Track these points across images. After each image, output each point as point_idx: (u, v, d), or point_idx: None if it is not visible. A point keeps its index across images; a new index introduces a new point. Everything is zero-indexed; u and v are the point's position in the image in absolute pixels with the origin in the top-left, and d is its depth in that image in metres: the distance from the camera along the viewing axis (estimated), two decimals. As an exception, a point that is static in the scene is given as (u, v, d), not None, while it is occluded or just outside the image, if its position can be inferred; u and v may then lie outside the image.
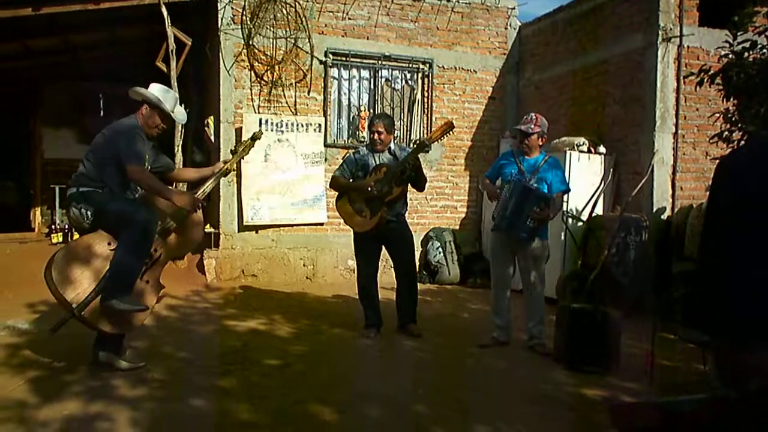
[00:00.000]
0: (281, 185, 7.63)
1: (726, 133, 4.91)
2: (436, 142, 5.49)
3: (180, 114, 4.15)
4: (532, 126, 4.73)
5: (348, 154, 5.32)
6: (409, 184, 5.08)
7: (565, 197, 6.62)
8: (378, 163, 5.00)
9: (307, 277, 7.78)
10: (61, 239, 8.16)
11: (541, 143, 4.84)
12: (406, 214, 5.28)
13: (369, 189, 4.90)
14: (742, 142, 4.79)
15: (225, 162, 4.35)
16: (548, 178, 4.70)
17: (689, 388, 3.85)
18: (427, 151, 8.12)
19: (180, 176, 4.49)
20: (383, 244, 5.16)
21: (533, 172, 4.70)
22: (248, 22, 7.50)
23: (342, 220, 5.30)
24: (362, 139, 8.09)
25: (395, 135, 8.07)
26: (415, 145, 5.37)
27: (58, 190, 9.53)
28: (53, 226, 8.77)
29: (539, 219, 4.55)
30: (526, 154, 4.80)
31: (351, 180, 5.10)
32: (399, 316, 5.22)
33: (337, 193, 5.26)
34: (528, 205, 4.55)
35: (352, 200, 5.04)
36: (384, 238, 5.08)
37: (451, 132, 5.08)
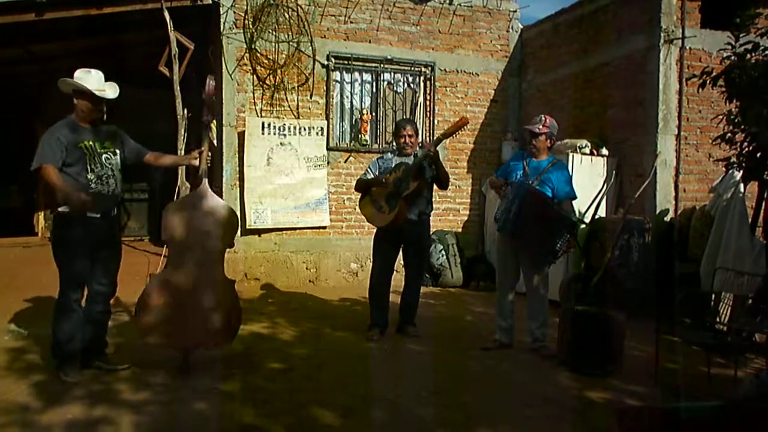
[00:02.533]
0: (284, 189, 7.64)
1: (729, 134, 4.90)
2: (448, 138, 5.54)
3: (109, 91, 3.95)
4: (540, 126, 4.72)
5: (373, 159, 5.43)
6: (435, 184, 5.16)
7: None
8: (399, 162, 5.07)
9: (309, 281, 7.78)
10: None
11: (549, 145, 4.83)
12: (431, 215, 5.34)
13: (384, 180, 4.99)
14: (745, 144, 4.79)
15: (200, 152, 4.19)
16: (553, 181, 4.67)
17: (693, 390, 3.84)
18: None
19: (153, 161, 4.27)
20: (401, 244, 5.19)
21: (538, 174, 4.68)
22: (250, 27, 7.52)
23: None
24: (365, 142, 8.10)
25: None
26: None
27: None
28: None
29: (568, 248, 4.57)
30: (534, 156, 4.78)
31: None
32: (399, 318, 5.27)
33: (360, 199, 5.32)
34: (534, 208, 4.52)
35: (373, 199, 5.13)
36: (403, 239, 5.12)
37: (464, 128, 5.12)
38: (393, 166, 5.10)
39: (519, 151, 5.34)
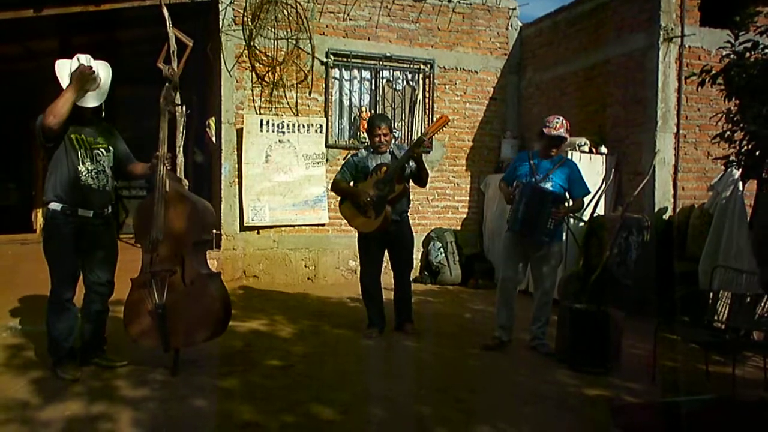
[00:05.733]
0: (282, 186, 7.64)
1: (728, 133, 4.91)
2: (433, 139, 5.50)
3: (90, 99, 3.79)
4: (564, 132, 4.67)
5: (347, 157, 5.32)
6: (411, 181, 5.09)
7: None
8: (378, 163, 4.99)
9: (308, 278, 7.78)
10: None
11: None
12: (409, 213, 5.30)
13: (369, 200, 4.87)
14: (744, 142, 4.80)
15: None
16: (567, 181, 4.68)
17: (691, 388, 3.85)
18: (428, 151, 8.13)
19: (133, 171, 4.17)
20: (386, 244, 5.16)
21: (546, 173, 4.67)
22: (249, 23, 7.51)
23: (344, 221, 5.30)
24: (363, 140, 8.09)
25: (396, 135, 8.14)
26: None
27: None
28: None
29: (558, 218, 4.56)
30: (548, 157, 4.73)
31: (352, 183, 5.11)
32: (396, 316, 5.26)
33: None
34: (541, 206, 4.54)
35: (355, 202, 5.02)
36: (387, 239, 5.09)
37: (446, 126, 5.09)
38: (370, 166, 4.99)
39: (524, 152, 5.22)
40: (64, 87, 3.72)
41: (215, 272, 4.21)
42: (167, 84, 3.97)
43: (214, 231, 7.56)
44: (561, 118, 4.73)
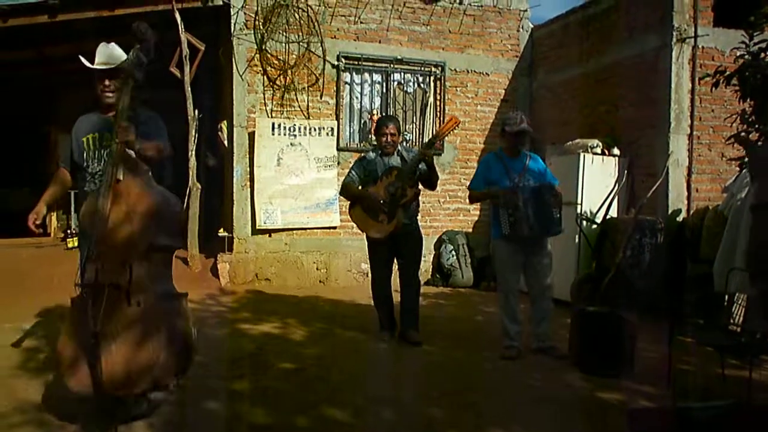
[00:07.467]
0: (294, 189, 7.67)
1: (742, 134, 4.87)
2: (445, 141, 5.46)
3: (98, 58, 3.36)
4: (526, 125, 4.64)
5: (356, 160, 5.27)
6: (420, 184, 5.03)
7: (578, 199, 6.64)
8: (388, 166, 4.95)
9: (320, 281, 7.80)
10: (76, 244, 8.22)
11: None
12: (419, 216, 5.28)
13: (382, 202, 4.82)
14: (759, 143, 4.76)
15: None
16: (538, 175, 4.70)
17: (706, 392, 3.81)
18: (439, 154, 8.12)
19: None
20: (396, 248, 5.12)
21: (521, 171, 4.67)
22: (261, 27, 7.55)
23: (354, 225, 5.26)
24: (375, 143, 8.09)
25: (407, 138, 8.14)
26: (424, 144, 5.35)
27: (73, 195, 9.64)
28: (69, 231, 8.86)
29: (559, 204, 4.59)
30: (515, 155, 4.73)
31: (360, 186, 5.05)
32: (401, 322, 5.07)
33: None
34: (541, 202, 4.54)
35: (366, 206, 4.96)
36: (397, 242, 5.03)
37: (456, 128, 5.06)
38: (379, 169, 4.93)
39: (489, 155, 5.01)
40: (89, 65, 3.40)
41: (178, 293, 3.17)
42: (138, 46, 3.21)
43: (226, 233, 7.60)
44: (520, 112, 4.74)
